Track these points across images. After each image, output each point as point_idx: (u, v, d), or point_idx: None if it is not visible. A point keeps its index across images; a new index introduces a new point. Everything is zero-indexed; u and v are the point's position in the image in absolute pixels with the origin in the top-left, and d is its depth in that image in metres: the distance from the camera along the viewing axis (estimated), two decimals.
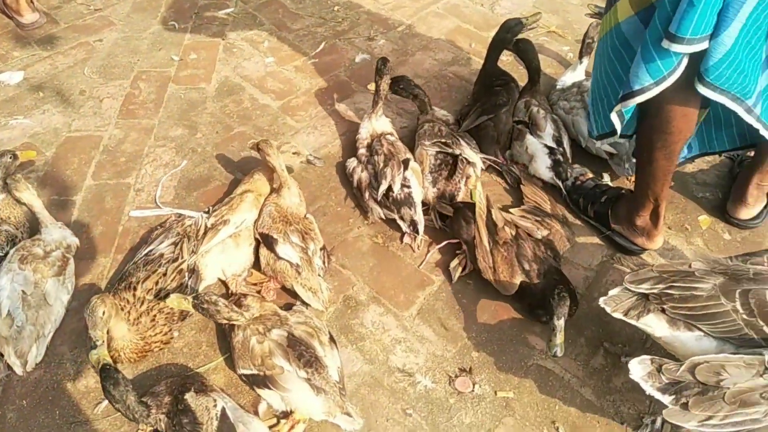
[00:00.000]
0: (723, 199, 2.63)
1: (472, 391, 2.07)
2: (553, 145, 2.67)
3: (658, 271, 1.84)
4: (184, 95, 3.19)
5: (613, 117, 2.09)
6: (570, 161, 2.70)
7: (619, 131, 2.17)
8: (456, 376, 2.11)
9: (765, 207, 2.53)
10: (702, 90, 1.83)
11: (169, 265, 2.18)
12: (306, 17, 3.73)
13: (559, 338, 1.92)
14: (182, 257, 2.22)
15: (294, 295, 2.27)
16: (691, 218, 2.61)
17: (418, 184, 2.54)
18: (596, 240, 2.53)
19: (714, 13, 1.70)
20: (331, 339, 2.07)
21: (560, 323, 1.94)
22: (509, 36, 2.90)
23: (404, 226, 2.47)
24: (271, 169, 2.46)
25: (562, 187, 2.64)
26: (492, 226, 2.33)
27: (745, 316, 1.72)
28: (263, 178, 2.52)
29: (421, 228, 2.44)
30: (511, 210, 2.51)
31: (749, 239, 2.52)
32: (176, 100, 3.16)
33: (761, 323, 1.70)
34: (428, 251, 2.47)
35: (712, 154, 2.57)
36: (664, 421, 1.86)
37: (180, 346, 2.18)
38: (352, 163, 2.69)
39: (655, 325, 1.83)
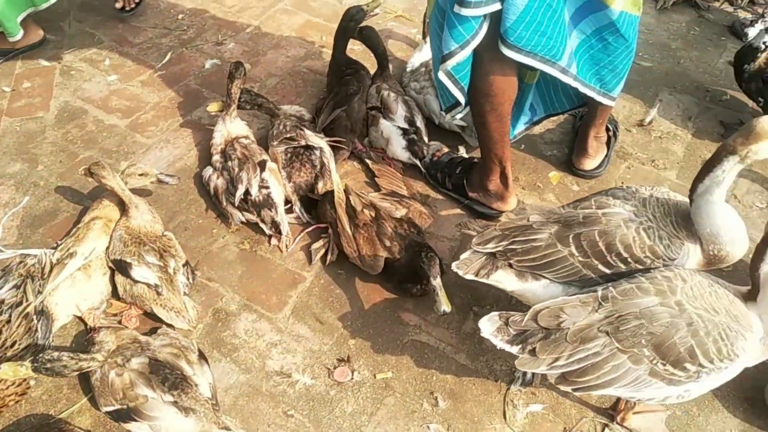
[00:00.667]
0: (569, 154, 2.80)
1: (352, 379, 2.07)
2: (406, 126, 2.72)
3: (501, 229, 1.92)
4: (21, 127, 2.96)
5: (448, 85, 2.14)
6: (425, 139, 2.76)
7: (462, 101, 2.23)
8: (335, 368, 2.10)
9: (605, 156, 2.72)
10: (506, 52, 1.93)
11: (13, 311, 2.01)
12: (149, 29, 3.57)
13: (442, 296, 1.99)
14: (27, 300, 2.05)
15: (160, 318, 2.17)
16: (542, 176, 2.75)
17: (277, 184, 2.50)
18: (458, 211, 2.61)
19: None
20: (201, 356, 2.00)
21: (437, 282, 2.01)
22: (352, 24, 2.91)
23: (266, 229, 2.43)
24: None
25: (420, 165, 2.69)
26: (352, 211, 2.35)
27: (580, 258, 1.83)
28: (111, 204, 2.39)
29: (284, 228, 2.41)
30: (371, 194, 2.53)
31: (595, 188, 2.68)
32: (12, 134, 2.92)
33: (595, 262, 1.82)
34: (296, 239, 2.46)
35: (556, 115, 2.72)
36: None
37: (39, 394, 2.02)
38: (207, 171, 2.61)
39: (504, 279, 1.91)
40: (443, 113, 2.43)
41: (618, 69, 2.22)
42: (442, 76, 2.10)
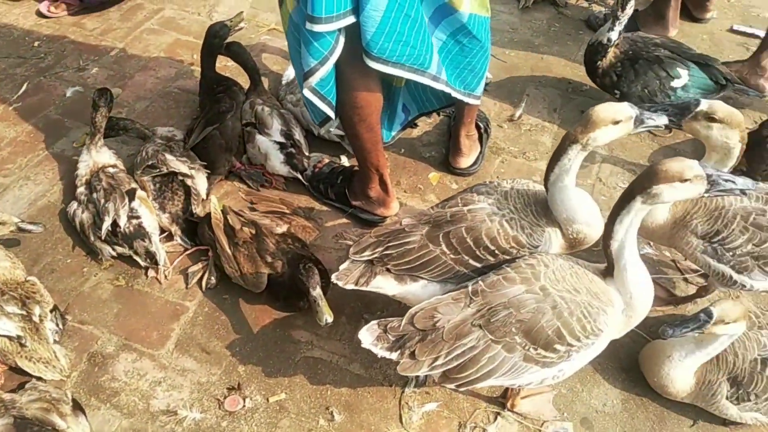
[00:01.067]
0: (446, 154, 2.87)
1: (244, 406, 2.00)
2: (283, 140, 2.68)
3: (375, 236, 1.93)
4: None
5: (315, 101, 2.13)
6: (305, 152, 2.74)
7: (333, 115, 2.23)
8: (224, 398, 2.02)
9: (480, 153, 2.82)
10: (372, 64, 1.95)
11: None
12: (0, 60, 3.31)
13: (323, 306, 1.96)
14: None
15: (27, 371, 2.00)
16: (422, 178, 2.81)
17: (149, 212, 2.38)
18: (343, 220, 2.60)
19: None
20: (76, 406, 1.86)
21: (317, 292, 1.98)
22: (217, 41, 2.83)
23: (141, 261, 2.31)
24: None
25: (301, 178, 2.67)
26: (230, 231, 2.28)
27: (452, 256, 1.87)
28: None
29: (160, 258, 2.30)
30: (253, 213, 2.48)
31: (473, 184, 2.76)
32: None
33: (466, 257, 1.87)
34: (174, 263, 2.37)
35: (429, 113, 2.78)
36: None
37: None
38: (72, 206, 2.44)
39: (384, 285, 1.92)
40: (318, 126, 2.43)
41: (476, 69, 2.30)
42: (307, 93, 2.08)
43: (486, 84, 3.15)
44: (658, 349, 2.02)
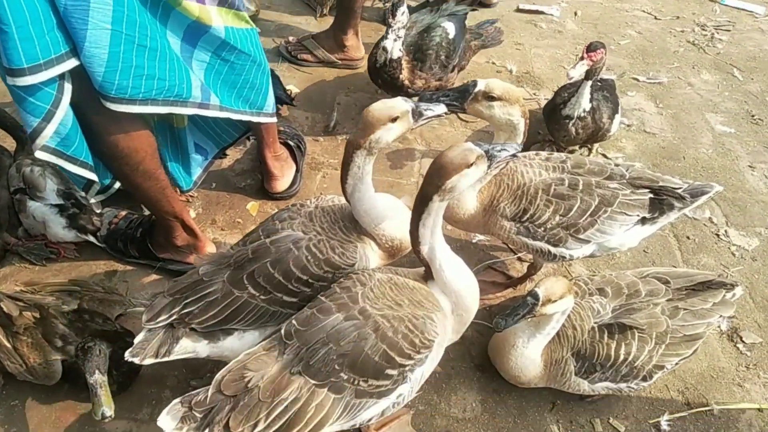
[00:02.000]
0: (262, 180, 2.65)
1: None
2: (61, 201, 2.28)
3: (170, 294, 1.65)
4: None
5: (62, 164, 1.77)
6: (95, 209, 2.37)
7: (94, 177, 1.87)
8: None
9: (296, 172, 2.63)
10: (115, 107, 1.66)
11: None
12: None
13: (102, 395, 1.60)
14: None
15: None
16: (240, 210, 2.56)
17: None
18: (154, 276, 2.27)
19: (44, 33, 1.49)
20: None
21: (96, 378, 1.62)
22: None
23: None
24: None
25: (94, 240, 2.29)
26: (7, 320, 1.87)
27: (262, 297, 1.65)
28: None
29: None
30: (39, 293, 2.07)
31: None
32: None
33: (279, 295, 1.65)
34: None
35: (231, 145, 2.54)
36: None
37: None
38: None
39: (193, 347, 1.65)
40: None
41: (257, 85, 2.10)
42: (47, 156, 1.72)
43: (290, 98, 2.99)
44: (502, 340, 1.94)
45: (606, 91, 2.75)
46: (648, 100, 3.39)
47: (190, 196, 2.58)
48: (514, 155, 1.52)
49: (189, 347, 1.65)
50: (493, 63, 3.53)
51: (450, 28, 2.86)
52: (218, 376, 1.46)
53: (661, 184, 1.95)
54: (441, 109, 1.64)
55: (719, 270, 2.46)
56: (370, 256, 1.77)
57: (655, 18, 4.08)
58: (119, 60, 1.58)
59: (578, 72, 2.40)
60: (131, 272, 2.28)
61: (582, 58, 2.40)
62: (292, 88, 3.17)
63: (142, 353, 1.60)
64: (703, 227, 2.65)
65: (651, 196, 1.93)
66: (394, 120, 1.58)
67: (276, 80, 3.00)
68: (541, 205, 1.87)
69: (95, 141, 1.78)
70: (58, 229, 2.27)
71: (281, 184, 2.55)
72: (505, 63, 3.53)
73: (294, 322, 1.52)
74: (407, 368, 1.54)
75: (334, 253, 1.68)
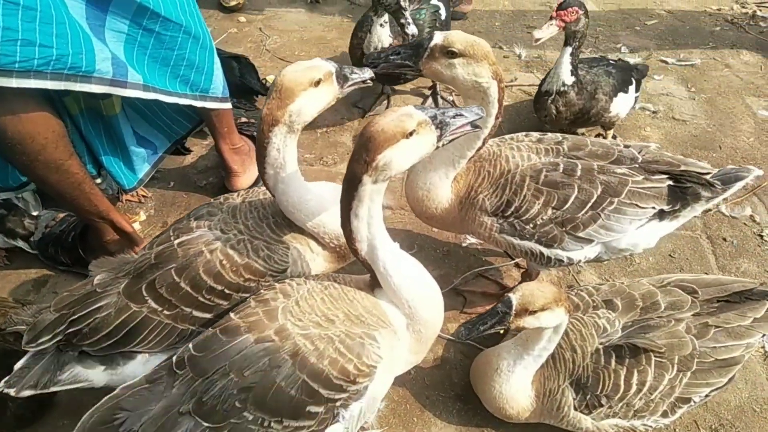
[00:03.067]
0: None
1: None
2: None
3: (56, 309, 1.34)
4: None
5: None
6: (31, 209, 2.10)
7: None
8: None
9: None
10: None
11: None
12: None
13: None
14: None
15: None
16: None
17: None
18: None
19: None
20: None
21: None
22: None
23: None
24: None
25: (24, 245, 2.02)
26: None
27: (166, 312, 1.32)
28: None
29: None
30: None
31: None
32: None
33: (187, 310, 1.32)
34: None
35: (185, 137, 2.24)
36: None
37: None
38: None
39: (85, 375, 1.35)
40: None
41: (198, 63, 1.80)
42: None
43: (265, 89, 2.68)
44: (484, 364, 1.57)
45: (612, 67, 2.34)
46: (678, 83, 2.95)
47: (143, 195, 2.29)
48: (474, 125, 1.16)
49: (80, 375, 1.34)
50: (501, 47, 3.16)
51: (441, 7, 2.51)
52: (84, 417, 1.14)
53: (683, 168, 1.54)
54: (367, 74, 1.31)
55: (762, 278, 2.01)
56: (311, 259, 1.43)
57: None
58: None
59: (545, 34, 1.98)
60: (63, 282, 1.99)
61: (551, 18, 1.98)
62: (268, 77, 2.87)
63: (19, 383, 1.30)
64: (743, 227, 2.20)
65: (670, 183, 1.53)
66: (316, 84, 1.24)
67: (251, 69, 2.70)
68: (528, 196, 1.49)
69: None
70: None
71: (242, 180, 2.24)
72: (513, 47, 3.15)
73: (190, 346, 1.19)
74: (338, 403, 1.18)
75: (257, 257, 1.35)
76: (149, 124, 2.07)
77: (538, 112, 2.30)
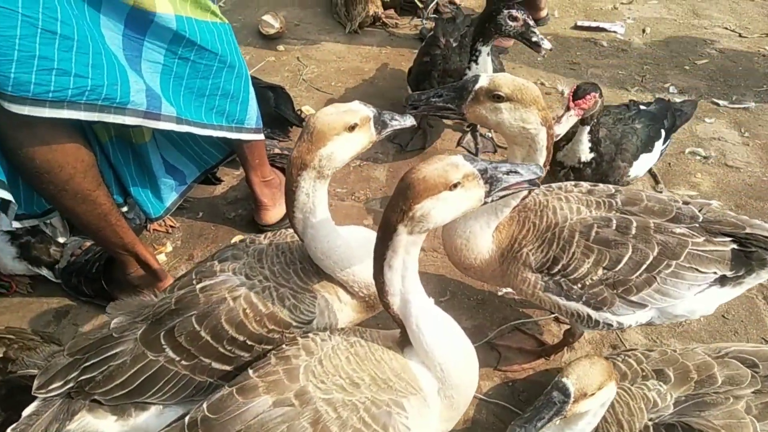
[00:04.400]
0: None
1: None
2: (13, 228, 2.00)
3: (70, 353, 1.27)
4: None
5: None
6: (59, 236, 2.07)
7: (9, 197, 1.49)
8: None
9: None
10: (16, 109, 1.31)
11: None
12: None
13: None
14: None
15: None
16: (224, 245, 2.18)
17: None
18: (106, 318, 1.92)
19: None
20: None
21: None
22: None
23: None
24: None
25: (49, 275, 1.98)
26: None
27: (184, 363, 1.24)
28: None
29: None
30: None
31: None
32: None
33: (206, 361, 1.24)
34: None
35: (215, 168, 2.19)
36: None
37: None
38: None
39: (95, 425, 1.27)
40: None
41: (233, 92, 1.75)
42: None
43: (301, 120, 2.63)
44: None
45: (644, 117, 2.14)
46: (730, 127, 2.80)
47: (171, 226, 2.24)
48: (532, 183, 1.06)
49: (90, 425, 1.26)
50: (542, 84, 3.06)
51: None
52: None
53: (748, 230, 1.40)
54: (409, 121, 1.23)
55: None
56: (339, 309, 1.34)
57: (740, 36, 3.48)
58: (14, 47, 1.26)
59: (564, 128, 1.82)
60: (84, 314, 1.95)
61: (568, 109, 1.81)
62: (309, 109, 2.83)
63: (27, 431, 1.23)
64: None
65: (734, 247, 1.39)
66: (351, 129, 1.16)
67: (287, 99, 2.67)
68: (577, 253, 1.37)
69: (9, 154, 1.45)
70: (8, 259, 1.97)
71: (272, 215, 2.17)
72: (556, 83, 3.05)
73: (204, 406, 1.10)
74: None
75: (282, 306, 1.26)
76: (180, 152, 2.02)
77: (550, 175, 2.11)
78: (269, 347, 1.25)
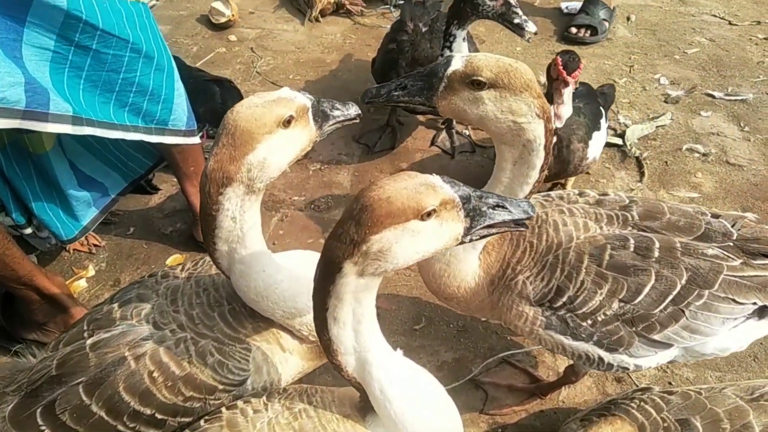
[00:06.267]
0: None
1: None
2: None
3: None
4: None
5: None
6: None
7: None
8: None
9: None
10: None
11: None
12: None
13: None
14: None
15: None
16: (157, 266, 1.85)
17: None
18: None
19: None
20: None
21: None
22: None
23: None
24: None
25: None
26: None
27: None
28: None
29: None
30: None
31: None
32: None
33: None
34: None
35: (140, 179, 1.84)
36: None
37: None
38: None
39: None
40: None
41: (153, 88, 1.41)
42: None
43: None
44: None
45: (579, 98, 1.91)
46: (728, 121, 2.56)
47: (95, 244, 1.90)
48: (519, 224, 0.77)
49: None
50: None
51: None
52: None
53: None
54: (353, 110, 0.94)
55: None
56: (282, 360, 1.03)
57: (730, 23, 3.26)
58: None
59: (569, 110, 1.61)
60: None
61: (566, 84, 1.58)
62: None
63: None
64: None
65: None
66: (286, 124, 0.85)
67: (236, 94, 2.32)
68: (587, 283, 1.08)
69: None
70: None
71: None
72: (538, 75, 2.78)
73: None
74: None
75: (203, 364, 0.95)
76: (98, 159, 1.68)
77: None
78: (186, 420, 0.94)
